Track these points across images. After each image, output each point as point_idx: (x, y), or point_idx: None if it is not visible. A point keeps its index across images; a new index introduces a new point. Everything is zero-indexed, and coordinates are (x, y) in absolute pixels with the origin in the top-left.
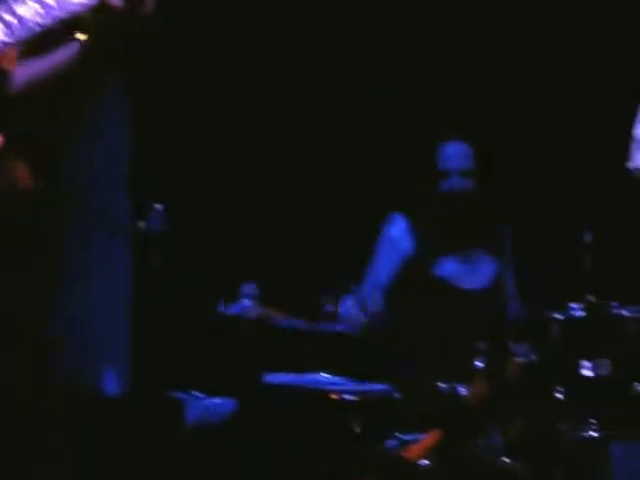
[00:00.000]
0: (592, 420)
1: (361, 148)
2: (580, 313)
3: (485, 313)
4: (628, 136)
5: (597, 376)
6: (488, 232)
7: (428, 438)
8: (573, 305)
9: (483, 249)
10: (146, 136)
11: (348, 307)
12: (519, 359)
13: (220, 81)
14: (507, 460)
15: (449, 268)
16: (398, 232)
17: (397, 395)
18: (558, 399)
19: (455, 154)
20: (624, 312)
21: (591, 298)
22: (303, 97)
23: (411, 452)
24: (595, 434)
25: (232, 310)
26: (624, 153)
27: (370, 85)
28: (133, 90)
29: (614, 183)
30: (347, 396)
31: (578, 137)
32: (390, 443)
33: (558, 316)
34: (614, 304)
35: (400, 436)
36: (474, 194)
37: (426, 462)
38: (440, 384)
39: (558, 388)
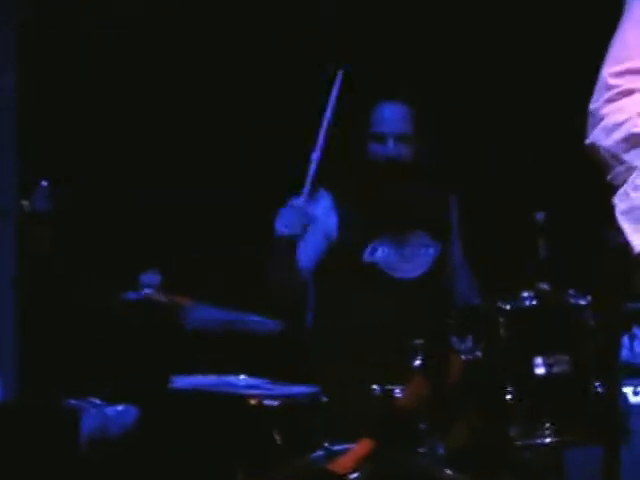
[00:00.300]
0: (546, 424)
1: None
2: (532, 302)
3: (424, 304)
4: (583, 112)
5: (552, 374)
6: (429, 209)
7: (358, 448)
8: (524, 293)
9: (423, 229)
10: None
11: None
12: (462, 356)
13: (113, 54)
14: (450, 471)
15: (381, 253)
16: (321, 209)
17: (325, 399)
18: (507, 401)
19: (392, 116)
20: (582, 301)
21: (545, 286)
22: (205, 76)
23: (340, 464)
24: (549, 440)
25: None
26: (582, 129)
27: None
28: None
29: (571, 159)
30: (268, 401)
31: (532, 110)
32: (317, 454)
33: (507, 306)
34: (571, 292)
35: (328, 446)
36: (413, 164)
37: (356, 475)
38: (372, 386)
39: (508, 389)
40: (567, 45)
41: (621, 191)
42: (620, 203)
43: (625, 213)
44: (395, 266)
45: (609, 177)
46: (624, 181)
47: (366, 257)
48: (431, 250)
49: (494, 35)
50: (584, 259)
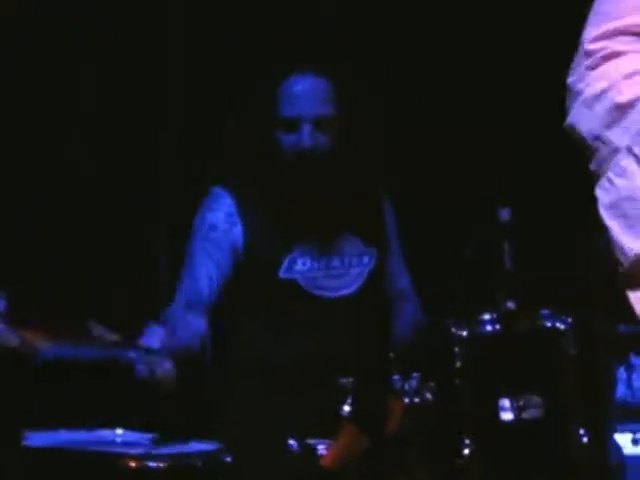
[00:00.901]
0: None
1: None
2: (495, 327)
3: (357, 331)
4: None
5: (522, 420)
6: (359, 208)
7: None
8: (485, 316)
9: (353, 233)
10: None
11: (155, 339)
12: (406, 400)
13: None
14: None
15: (302, 266)
16: (222, 216)
17: (228, 459)
18: (465, 457)
19: (307, 94)
20: (560, 325)
21: (511, 304)
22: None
23: None
24: None
25: None
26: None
27: None
28: None
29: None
30: (153, 462)
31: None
32: None
33: (463, 333)
34: (546, 313)
35: None
36: (337, 154)
37: None
38: (289, 441)
39: (465, 441)
40: (521, 29)
41: (604, 180)
42: (603, 195)
43: (610, 207)
44: (320, 282)
45: (593, 165)
46: (602, 162)
47: (282, 273)
48: (366, 259)
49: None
50: (562, 269)
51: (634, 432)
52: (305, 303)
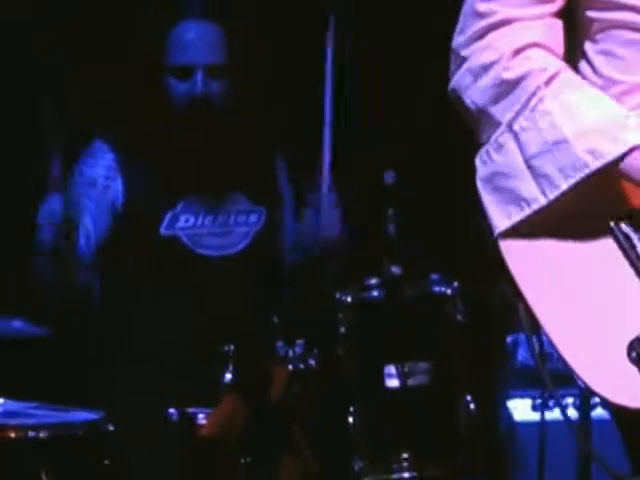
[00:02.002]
0: (402, 454)
1: None
2: (381, 293)
3: (242, 294)
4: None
5: (408, 387)
6: (248, 166)
7: None
8: (370, 281)
9: (241, 191)
10: None
11: None
12: (290, 366)
13: None
14: None
15: (185, 223)
16: (101, 172)
17: (111, 428)
18: (350, 425)
19: (197, 40)
20: (447, 290)
21: (396, 269)
22: None
23: None
24: (407, 475)
25: None
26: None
27: None
28: None
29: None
30: (32, 432)
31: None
32: None
33: (348, 298)
34: (433, 278)
35: None
36: (228, 103)
37: None
38: (169, 410)
39: (350, 409)
40: None
41: (483, 150)
42: (481, 167)
43: (485, 180)
44: (204, 240)
45: (476, 134)
46: (485, 137)
47: (164, 229)
48: (253, 218)
49: None
50: (450, 233)
51: (534, 398)
52: (188, 262)
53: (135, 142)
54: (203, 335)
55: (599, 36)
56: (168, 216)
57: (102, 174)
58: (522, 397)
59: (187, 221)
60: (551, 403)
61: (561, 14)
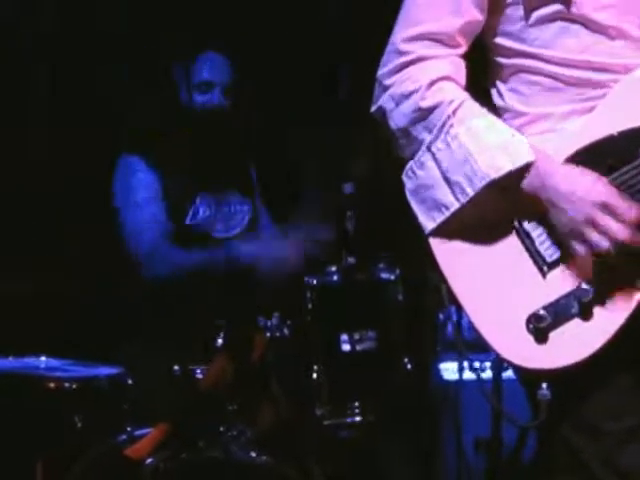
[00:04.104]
0: (354, 403)
1: None
2: (338, 277)
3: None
4: None
5: (357, 351)
6: (238, 168)
7: (154, 433)
8: (331, 268)
9: (236, 187)
10: None
11: None
12: (268, 334)
13: None
14: (255, 454)
15: (203, 213)
16: (142, 175)
17: (129, 381)
18: (314, 380)
19: (217, 65)
20: (390, 276)
21: (351, 260)
22: None
23: (135, 449)
24: (358, 419)
25: None
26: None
27: None
28: None
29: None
30: (67, 384)
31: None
32: (120, 438)
33: (313, 281)
34: (380, 266)
35: (131, 430)
36: (233, 117)
37: (150, 460)
38: (173, 367)
39: (314, 367)
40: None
41: (408, 168)
42: (408, 181)
43: (413, 192)
44: (215, 225)
45: (395, 149)
46: (410, 155)
47: (188, 219)
48: (245, 207)
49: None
50: (395, 231)
51: (460, 362)
52: (206, 244)
53: (163, 148)
54: (201, 310)
55: (507, 77)
56: (192, 209)
57: (144, 178)
58: (451, 361)
59: (204, 212)
60: (470, 365)
61: (466, 57)
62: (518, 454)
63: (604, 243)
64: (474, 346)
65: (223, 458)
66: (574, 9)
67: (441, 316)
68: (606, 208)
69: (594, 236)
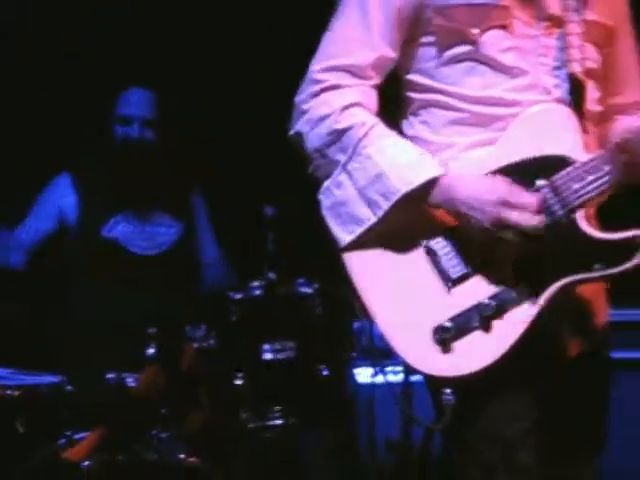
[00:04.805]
0: (275, 407)
1: None
2: (261, 292)
3: (163, 284)
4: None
5: (279, 360)
6: (173, 192)
7: (91, 436)
8: (253, 283)
9: (165, 210)
10: None
11: None
12: (196, 344)
13: None
14: (184, 455)
15: (122, 228)
16: (57, 189)
17: (69, 388)
18: (238, 386)
19: (138, 101)
20: (309, 290)
21: (272, 275)
22: None
23: (73, 452)
24: (279, 422)
25: None
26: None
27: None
28: None
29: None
30: (9, 391)
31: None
32: (60, 442)
33: (237, 296)
34: (300, 281)
35: (70, 434)
36: (157, 147)
37: (88, 463)
38: (108, 375)
39: (238, 374)
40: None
41: (325, 187)
42: (324, 199)
43: (329, 209)
44: (135, 242)
45: (311, 168)
46: (325, 174)
47: (105, 232)
48: (172, 230)
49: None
50: (313, 249)
51: (374, 367)
52: (123, 257)
53: (87, 169)
54: (133, 320)
55: (418, 110)
56: (110, 222)
57: (56, 192)
58: (365, 366)
59: (124, 227)
60: (384, 369)
61: (377, 87)
62: (425, 453)
63: (514, 237)
64: (386, 353)
65: (155, 459)
66: (481, 51)
67: (356, 326)
68: (508, 203)
69: (506, 233)
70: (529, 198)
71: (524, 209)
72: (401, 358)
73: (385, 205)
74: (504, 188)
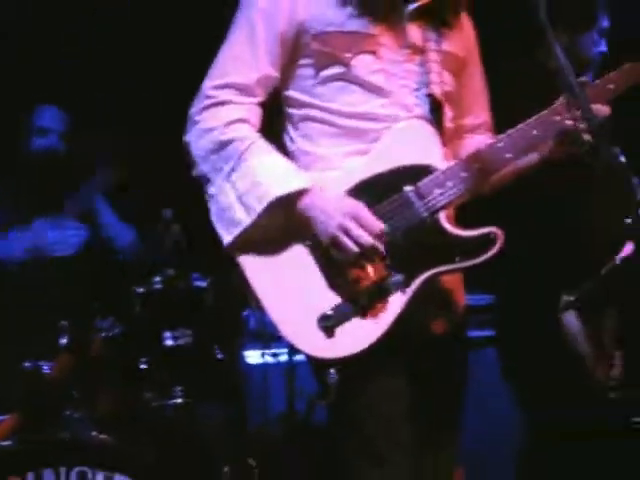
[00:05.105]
0: (176, 388)
1: None
2: (160, 286)
3: (75, 281)
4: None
5: (178, 346)
6: (76, 197)
7: (9, 419)
8: (155, 278)
9: (73, 214)
10: None
11: None
12: (103, 334)
13: None
14: (96, 433)
15: (40, 233)
16: None
17: None
18: (143, 370)
19: (52, 116)
20: (202, 283)
21: (171, 271)
22: None
23: None
24: (180, 400)
25: None
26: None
27: None
28: None
29: None
30: None
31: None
32: None
33: (140, 290)
34: (195, 276)
35: None
36: (67, 157)
37: (5, 444)
38: (24, 363)
39: (143, 359)
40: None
41: (210, 194)
42: (210, 204)
43: (215, 214)
44: (50, 244)
45: (195, 173)
46: (208, 179)
47: (27, 239)
48: (81, 232)
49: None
50: (207, 248)
51: (262, 349)
52: (43, 259)
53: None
54: (47, 312)
55: (297, 124)
56: (30, 230)
57: None
58: (254, 349)
59: (41, 232)
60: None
61: (262, 104)
62: (308, 422)
63: (353, 247)
64: (272, 337)
65: (69, 438)
66: (352, 72)
67: (245, 313)
68: (354, 219)
69: (345, 240)
70: (373, 222)
71: (366, 229)
72: (290, 343)
73: (259, 209)
74: (354, 205)
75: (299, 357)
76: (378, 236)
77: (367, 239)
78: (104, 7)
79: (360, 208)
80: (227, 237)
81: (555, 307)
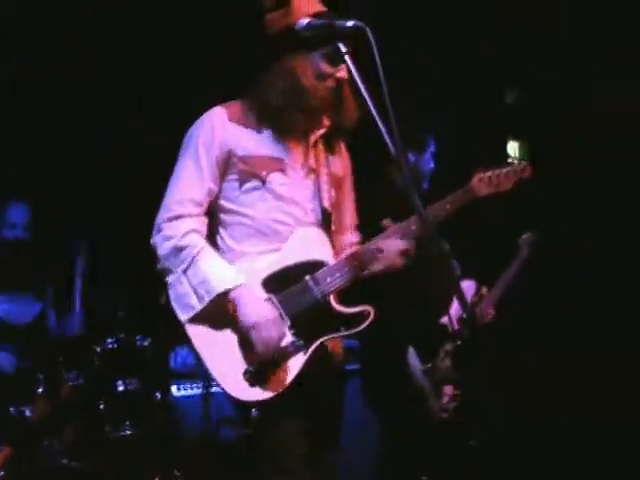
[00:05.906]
0: (126, 423)
1: None
2: (114, 345)
3: (35, 346)
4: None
5: (128, 390)
6: (35, 280)
7: (2, 452)
8: (108, 339)
9: (27, 292)
10: None
11: None
12: (71, 383)
13: None
14: (66, 460)
15: (3, 307)
16: None
17: None
18: (101, 409)
19: (19, 211)
20: (145, 342)
21: (122, 335)
22: None
23: None
24: (129, 432)
25: None
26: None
27: None
28: None
29: None
30: None
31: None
32: None
33: (98, 348)
34: (139, 337)
35: None
36: (28, 244)
37: (2, 474)
38: (10, 409)
39: (101, 401)
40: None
41: (170, 284)
42: (171, 291)
43: (174, 299)
44: (12, 316)
45: (159, 267)
46: (169, 272)
47: None
48: (36, 306)
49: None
50: (129, 280)
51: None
52: (5, 329)
53: None
54: (24, 370)
55: (226, 226)
56: None
57: None
58: (179, 385)
59: (4, 306)
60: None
61: (206, 214)
62: (218, 440)
63: (260, 346)
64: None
65: (48, 466)
66: (267, 186)
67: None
68: (266, 323)
69: (254, 335)
70: (279, 327)
71: (271, 333)
72: (222, 387)
73: (207, 298)
74: (270, 309)
75: (215, 389)
76: (279, 339)
77: (270, 344)
78: (104, 7)
79: (269, 316)
80: (183, 316)
81: (403, 350)
